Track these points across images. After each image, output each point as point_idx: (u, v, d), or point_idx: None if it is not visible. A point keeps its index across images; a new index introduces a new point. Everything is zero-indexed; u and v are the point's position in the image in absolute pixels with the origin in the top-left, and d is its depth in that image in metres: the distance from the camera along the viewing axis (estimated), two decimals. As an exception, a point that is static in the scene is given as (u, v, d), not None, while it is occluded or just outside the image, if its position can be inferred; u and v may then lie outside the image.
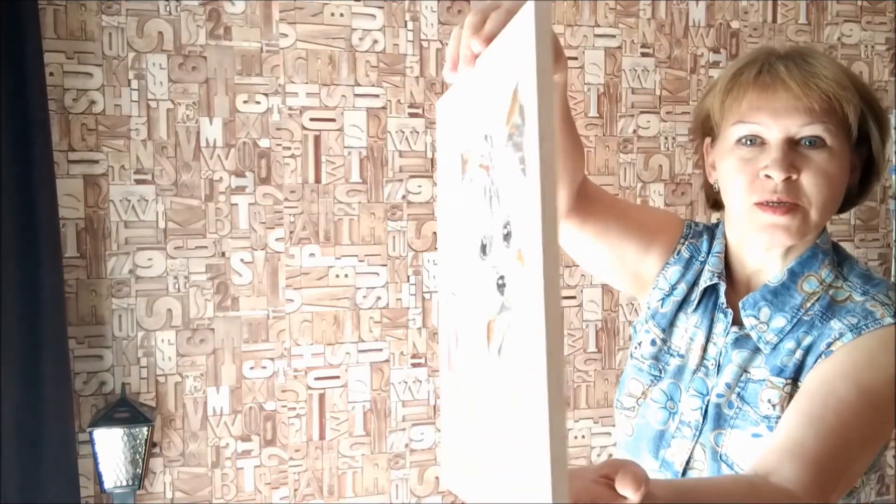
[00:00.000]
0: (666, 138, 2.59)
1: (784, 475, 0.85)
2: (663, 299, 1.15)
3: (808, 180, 0.99)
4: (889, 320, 0.97)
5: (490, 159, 0.61)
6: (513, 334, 0.56)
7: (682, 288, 1.14)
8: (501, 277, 0.59)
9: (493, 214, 0.61)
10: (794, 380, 1.00)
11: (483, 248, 0.64)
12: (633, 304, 2.55)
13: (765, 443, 0.96)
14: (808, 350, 1.00)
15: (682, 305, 1.13)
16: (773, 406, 1.00)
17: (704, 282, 1.11)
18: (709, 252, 1.15)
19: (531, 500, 0.51)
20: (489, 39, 0.67)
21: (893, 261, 2.75)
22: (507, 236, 0.58)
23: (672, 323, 1.13)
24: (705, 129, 1.12)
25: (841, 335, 0.98)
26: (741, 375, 1.04)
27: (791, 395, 0.99)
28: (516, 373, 0.55)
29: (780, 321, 1.04)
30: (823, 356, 0.98)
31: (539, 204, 0.50)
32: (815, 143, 0.99)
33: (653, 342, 1.14)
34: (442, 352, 0.76)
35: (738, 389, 1.03)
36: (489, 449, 0.62)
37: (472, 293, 0.66)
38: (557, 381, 0.49)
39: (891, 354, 0.95)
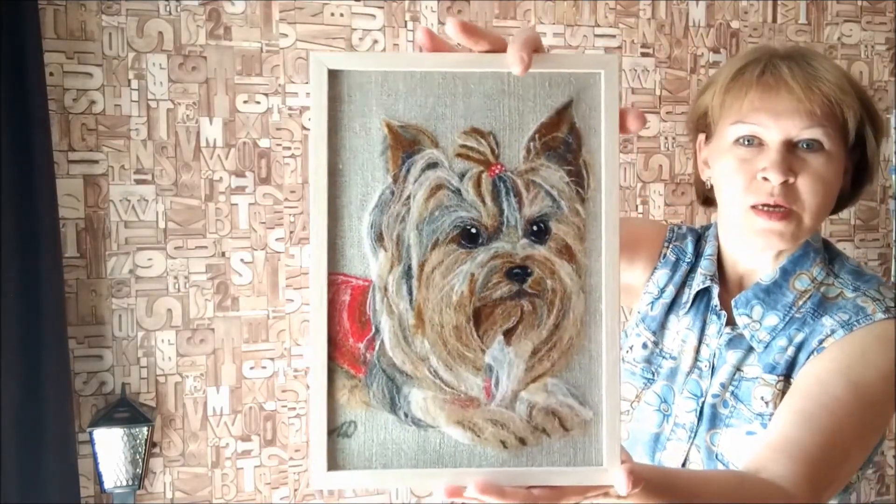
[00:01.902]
0: (666, 138, 2.59)
1: (776, 472, 0.85)
2: (652, 303, 1.15)
3: (804, 184, 0.99)
4: (880, 316, 0.98)
5: (497, 157, 0.68)
6: (550, 320, 0.68)
7: (670, 290, 1.14)
8: (521, 268, 0.67)
9: (503, 208, 0.68)
10: (787, 376, 1.00)
11: (470, 236, 0.67)
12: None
13: (757, 439, 0.96)
14: (799, 347, 1.01)
15: (671, 308, 1.13)
16: (766, 403, 1.00)
17: (697, 285, 1.11)
18: (694, 253, 1.15)
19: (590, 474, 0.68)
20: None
21: (893, 261, 2.75)
22: (537, 232, 0.68)
23: (663, 325, 1.13)
24: (700, 126, 1.11)
25: (833, 332, 0.98)
26: (735, 374, 1.04)
27: (783, 392, 0.99)
28: (562, 357, 0.68)
29: (772, 319, 1.04)
30: (815, 353, 0.98)
31: (614, 216, 0.68)
32: (813, 146, 0.99)
33: (644, 345, 1.14)
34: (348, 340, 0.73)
35: (732, 388, 1.03)
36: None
37: (434, 279, 0.68)
38: (616, 364, 0.68)
39: (883, 350, 0.95)
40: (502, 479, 0.68)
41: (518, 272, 0.67)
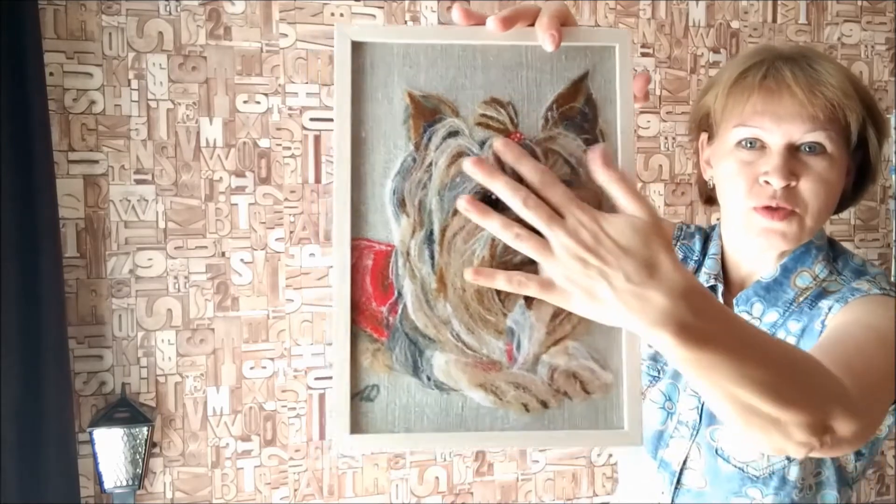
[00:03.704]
0: (666, 138, 2.59)
1: None
2: (659, 301, 1.15)
3: (806, 187, 0.99)
4: (876, 291, 0.98)
5: (516, 126, 0.70)
6: None
7: (677, 289, 1.14)
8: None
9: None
10: None
11: (491, 202, 0.68)
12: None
13: None
14: (799, 335, 1.00)
15: None
16: None
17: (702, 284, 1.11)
18: (702, 252, 1.15)
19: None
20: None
21: (893, 261, 2.75)
22: None
23: (670, 324, 1.13)
24: (703, 126, 1.11)
25: (830, 308, 0.98)
26: None
27: None
28: (582, 321, 0.68)
29: (772, 316, 1.04)
30: (821, 335, 0.97)
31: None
32: (816, 149, 0.99)
33: (650, 343, 1.13)
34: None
35: None
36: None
37: (455, 243, 0.70)
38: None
39: (885, 311, 0.94)
40: (526, 443, 0.69)
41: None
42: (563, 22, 0.69)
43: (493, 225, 0.64)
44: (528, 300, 0.69)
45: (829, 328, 0.96)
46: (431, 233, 0.69)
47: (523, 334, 0.69)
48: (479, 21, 0.69)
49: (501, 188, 0.64)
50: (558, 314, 0.69)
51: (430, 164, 0.69)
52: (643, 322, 0.62)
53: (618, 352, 0.69)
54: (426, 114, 0.70)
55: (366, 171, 0.70)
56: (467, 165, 0.65)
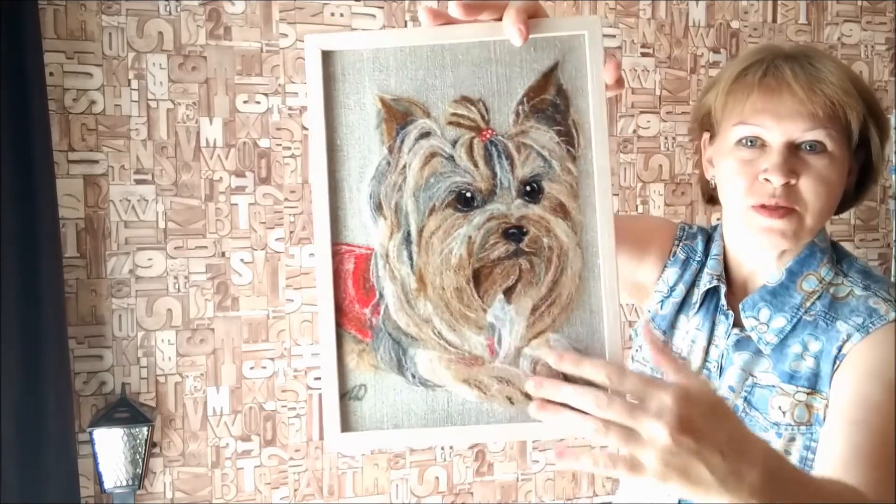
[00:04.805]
0: (666, 138, 2.59)
1: (855, 483, 0.83)
2: (662, 301, 1.15)
3: (806, 186, 0.98)
4: (893, 315, 0.97)
5: (487, 122, 0.71)
6: (548, 277, 0.70)
7: (680, 289, 1.13)
8: (517, 228, 0.70)
9: (496, 171, 0.70)
10: (812, 390, 0.99)
11: (465, 200, 0.70)
12: (633, 305, 2.55)
13: (822, 457, 0.94)
14: (819, 357, 0.99)
15: (681, 307, 1.13)
16: (784, 413, 0.98)
17: (704, 284, 1.10)
18: (705, 252, 1.14)
19: None
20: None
21: (893, 261, 2.75)
22: (531, 192, 0.70)
23: (672, 325, 1.13)
24: (704, 125, 1.11)
25: (849, 336, 0.97)
26: (746, 379, 1.03)
27: (806, 405, 0.98)
28: (562, 312, 0.70)
29: (779, 321, 1.03)
30: (838, 360, 0.97)
31: (606, 177, 0.71)
32: (816, 148, 0.98)
33: None
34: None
35: (744, 394, 1.02)
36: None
37: (433, 243, 0.71)
38: (616, 318, 0.70)
39: None
40: (513, 435, 0.71)
41: (514, 232, 0.70)
42: (532, 14, 0.69)
43: (588, 428, 0.65)
44: (507, 294, 0.70)
45: (851, 382, 0.95)
46: (409, 234, 0.70)
47: (504, 329, 0.70)
48: (448, 20, 0.69)
49: (572, 398, 0.65)
50: (538, 307, 0.70)
51: (405, 166, 0.71)
52: (736, 497, 0.63)
53: (600, 342, 0.70)
54: (398, 117, 0.71)
55: (342, 177, 0.71)
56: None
